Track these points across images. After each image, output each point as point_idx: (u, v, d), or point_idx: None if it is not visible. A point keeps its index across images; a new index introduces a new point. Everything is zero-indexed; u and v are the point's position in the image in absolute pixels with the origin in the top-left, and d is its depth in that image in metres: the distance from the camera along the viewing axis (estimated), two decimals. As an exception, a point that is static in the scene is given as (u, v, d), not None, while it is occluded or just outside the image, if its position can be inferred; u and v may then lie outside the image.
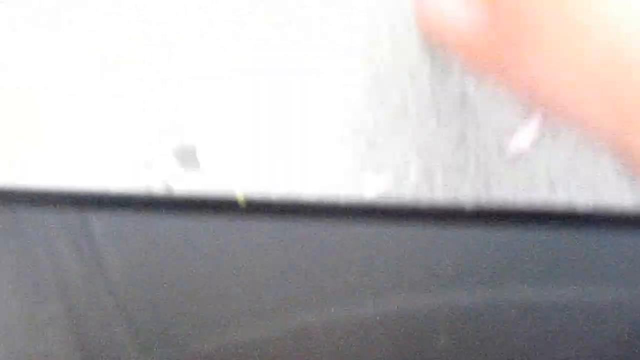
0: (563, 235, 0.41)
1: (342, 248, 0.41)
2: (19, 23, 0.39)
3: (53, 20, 0.39)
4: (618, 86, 0.25)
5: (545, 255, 0.41)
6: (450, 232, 0.41)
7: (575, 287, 0.41)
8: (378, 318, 0.41)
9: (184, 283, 0.40)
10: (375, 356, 0.41)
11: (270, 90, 0.40)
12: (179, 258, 0.40)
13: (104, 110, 0.40)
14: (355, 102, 0.40)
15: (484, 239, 0.41)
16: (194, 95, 0.40)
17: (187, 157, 0.40)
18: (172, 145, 0.40)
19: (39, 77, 0.39)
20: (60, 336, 0.40)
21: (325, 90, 0.40)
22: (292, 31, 0.40)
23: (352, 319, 0.41)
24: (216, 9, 0.39)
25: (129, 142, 0.40)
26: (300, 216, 0.41)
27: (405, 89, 0.40)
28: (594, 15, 0.25)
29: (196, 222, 0.40)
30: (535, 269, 0.41)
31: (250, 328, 0.40)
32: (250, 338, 0.40)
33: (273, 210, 0.40)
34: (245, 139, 0.40)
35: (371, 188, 0.40)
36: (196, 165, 0.39)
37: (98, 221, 0.40)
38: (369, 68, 0.40)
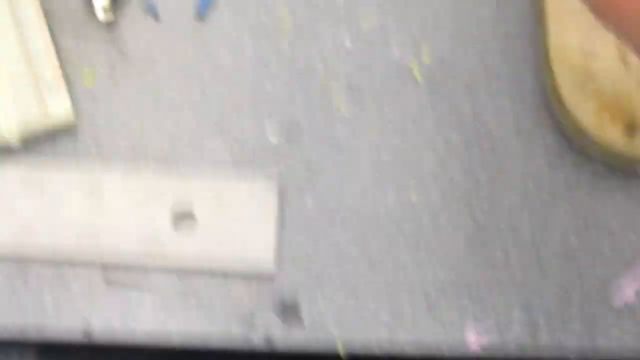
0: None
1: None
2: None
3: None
4: None
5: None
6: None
7: None
8: None
9: None
10: None
11: (369, 243, 0.41)
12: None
13: (201, 263, 0.41)
14: (457, 253, 0.41)
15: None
16: (293, 249, 0.41)
17: (289, 313, 0.40)
18: (274, 300, 0.40)
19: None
20: None
21: (427, 240, 0.41)
22: (388, 186, 0.42)
23: None
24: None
25: (229, 295, 0.40)
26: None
27: (506, 241, 0.41)
28: None
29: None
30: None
31: None
32: None
33: None
34: (346, 291, 0.41)
35: (474, 340, 0.40)
36: (299, 322, 0.39)
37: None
38: (470, 222, 0.41)
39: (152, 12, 0.44)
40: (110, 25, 0.43)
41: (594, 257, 0.41)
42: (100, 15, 0.42)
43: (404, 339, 0.40)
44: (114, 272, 0.40)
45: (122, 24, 0.43)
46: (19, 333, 0.39)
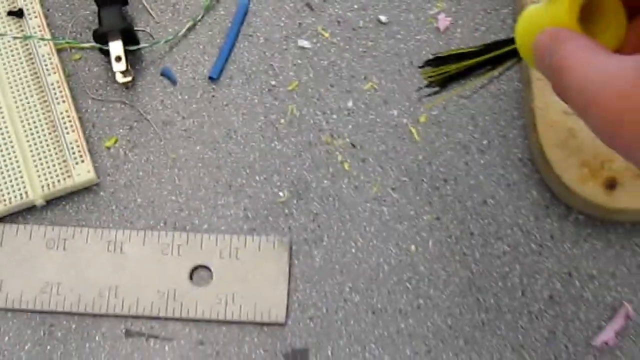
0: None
1: None
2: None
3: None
4: None
5: None
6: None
7: None
8: None
9: None
10: None
11: (372, 293, 0.42)
12: None
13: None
14: (453, 300, 0.42)
15: None
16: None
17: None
18: (285, 348, 0.41)
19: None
20: None
21: (425, 289, 0.42)
22: (389, 238, 0.43)
23: None
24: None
25: (243, 343, 0.41)
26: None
27: (497, 288, 0.42)
28: None
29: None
30: None
31: None
32: None
33: None
34: (352, 338, 0.42)
35: None
36: None
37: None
38: (464, 271, 0.43)
39: (168, 76, 0.44)
40: (128, 89, 0.44)
41: (577, 301, 0.42)
42: (119, 78, 0.43)
43: None
44: (134, 323, 0.41)
45: (140, 88, 0.45)
46: None
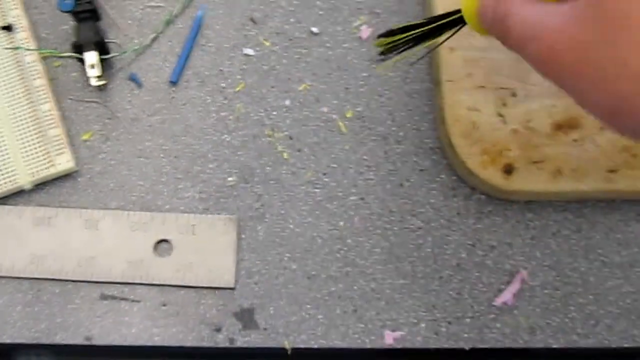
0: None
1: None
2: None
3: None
4: None
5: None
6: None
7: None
8: None
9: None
10: None
11: (307, 262, 0.46)
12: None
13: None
14: (375, 267, 0.46)
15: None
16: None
17: (247, 318, 0.45)
18: (234, 308, 0.45)
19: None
20: None
21: (352, 258, 0.46)
22: (321, 216, 0.46)
23: None
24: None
25: (199, 305, 0.45)
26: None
27: (412, 257, 0.47)
28: None
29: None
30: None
31: None
32: None
33: (316, 356, 0.46)
34: (291, 300, 0.45)
35: (390, 336, 0.45)
36: (255, 325, 0.45)
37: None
38: (384, 242, 0.47)
39: (135, 80, 0.49)
40: (102, 91, 0.48)
41: (480, 268, 0.46)
42: (94, 82, 0.47)
43: (336, 336, 0.45)
44: (108, 288, 0.46)
45: (111, 90, 0.49)
46: (34, 339, 0.44)
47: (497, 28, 0.30)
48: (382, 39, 0.42)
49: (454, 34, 0.37)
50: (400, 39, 0.40)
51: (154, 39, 0.50)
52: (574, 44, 0.25)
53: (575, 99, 0.27)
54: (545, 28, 0.27)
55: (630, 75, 0.24)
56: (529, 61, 0.29)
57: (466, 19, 0.34)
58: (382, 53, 0.42)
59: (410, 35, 0.39)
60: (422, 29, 0.38)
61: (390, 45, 0.41)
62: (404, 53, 0.40)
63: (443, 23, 0.37)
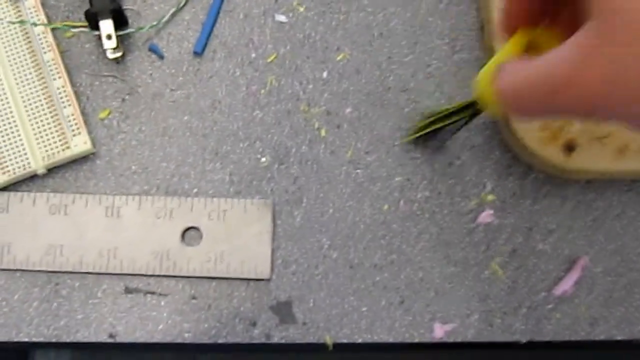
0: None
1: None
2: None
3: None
4: None
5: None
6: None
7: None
8: None
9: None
10: None
11: (349, 249, 0.43)
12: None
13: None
14: (423, 255, 0.43)
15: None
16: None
17: (284, 311, 0.41)
18: (270, 301, 0.42)
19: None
20: None
21: (398, 244, 0.43)
22: (364, 198, 0.43)
23: None
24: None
25: (232, 297, 0.42)
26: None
27: (463, 242, 0.43)
28: None
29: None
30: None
31: None
32: None
33: (359, 352, 0.42)
34: (331, 290, 0.42)
35: (439, 328, 0.42)
36: (292, 319, 0.41)
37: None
38: (433, 227, 0.43)
39: (156, 51, 0.45)
40: (119, 64, 0.44)
41: (537, 254, 0.43)
42: (110, 54, 0.43)
43: (381, 330, 0.42)
44: (133, 281, 0.42)
45: (130, 63, 0.44)
46: (53, 337, 0.41)
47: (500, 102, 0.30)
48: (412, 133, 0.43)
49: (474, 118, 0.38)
50: (429, 130, 0.41)
51: (177, 11, 0.45)
52: (599, 73, 0.24)
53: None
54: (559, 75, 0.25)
55: None
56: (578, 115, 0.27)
57: (482, 103, 0.34)
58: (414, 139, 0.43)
59: (436, 127, 0.41)
60: (447, 121, 0.40)
61: (418, 135, 0.42)
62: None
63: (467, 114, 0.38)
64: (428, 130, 0.41)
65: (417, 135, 0.42)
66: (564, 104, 0.26)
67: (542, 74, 0.26)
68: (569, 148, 0.42)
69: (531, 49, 0.31)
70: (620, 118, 0.25)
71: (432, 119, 0.41)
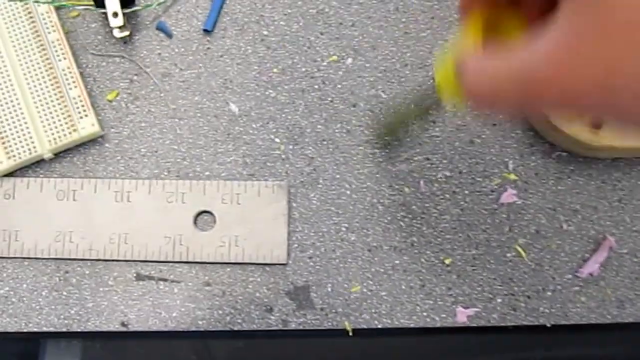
0: (629, 347, 0.42)
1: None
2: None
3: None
4: None
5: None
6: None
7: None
8: None
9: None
10: None
11: (367, 232, 0.41)
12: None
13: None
14: (444, 236, 0.41)
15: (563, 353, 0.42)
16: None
17: (301, 297, 0.40)
18: (287, 286, 0.40)
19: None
20: None
21: (418, 226, 0.41)
22: (382, 179, 0.42)
23: None
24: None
25: (247, 283, 0.41)
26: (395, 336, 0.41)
27: (486, 223, 0.41)
28: None
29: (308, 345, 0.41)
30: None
31: None
32: None
33: (379, 337, 0.41)
34: (350, 274, 0.41)
35: (462, 312, 0.40)
36: (310, 304, 0.39)
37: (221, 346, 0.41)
38: (454, 208, 0.42)
39: (164, 30, 0.43)
40: (126, 43, 0.42)
41: (562, 235, 0.41)
42: (117, 33, 0.41)
43: (402, 315, 0.40)
44: (144, 268, 0.40)
45: (137, 42, 0.43)
46: (63, 327, 0.40)
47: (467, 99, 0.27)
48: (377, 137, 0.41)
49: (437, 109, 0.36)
50: (391, 133, 0.40)
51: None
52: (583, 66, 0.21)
53: (615, 116, 0.22)
54: (537, 69, 0.22)
55: None
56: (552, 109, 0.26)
57: (441, 96, 0.31)
58: (383, 148, 0.41)
59: (399, 127, 0.39)
60: (407, 117, 0.38)
61: (385, 139, 0.41)
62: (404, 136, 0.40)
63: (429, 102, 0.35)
64: (397, 130, 0.39)
65: (386, 138, 0.40)
66: (547, 104, 0.23)
67: (521, 78, 0.23)
68: (597, 124, 0.40)
69: (490, 30, 0.29)
70: (615, 117, 0.23)
71: (396, 118, 0.39)
